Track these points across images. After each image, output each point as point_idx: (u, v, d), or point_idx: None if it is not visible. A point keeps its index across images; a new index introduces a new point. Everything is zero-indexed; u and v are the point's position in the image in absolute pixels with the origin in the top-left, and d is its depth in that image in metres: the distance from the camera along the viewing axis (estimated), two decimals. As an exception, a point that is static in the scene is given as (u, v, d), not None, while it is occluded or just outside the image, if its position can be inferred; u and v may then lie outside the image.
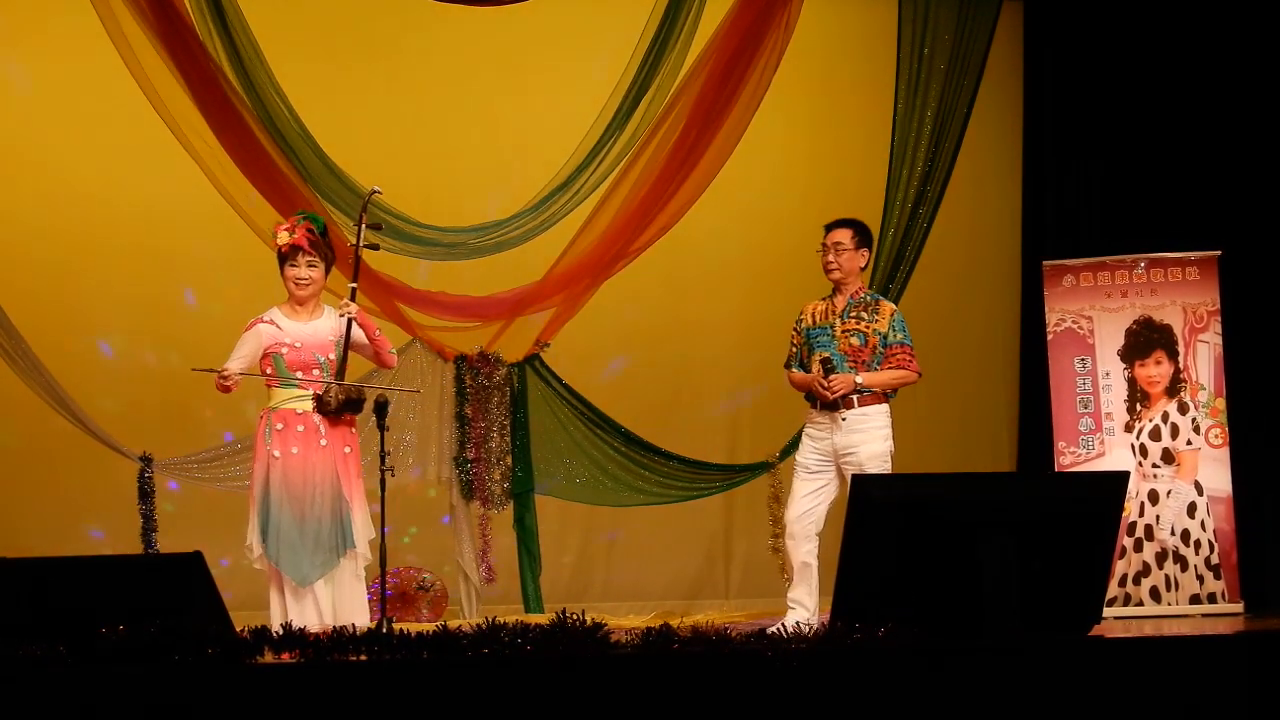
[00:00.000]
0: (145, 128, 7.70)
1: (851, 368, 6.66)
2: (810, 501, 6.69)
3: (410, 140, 8.79)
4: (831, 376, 6.59)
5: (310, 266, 6.29)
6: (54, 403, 7.68)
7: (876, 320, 6.71)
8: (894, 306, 6.80)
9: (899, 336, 6.72)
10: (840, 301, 6.77)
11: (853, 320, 6.71)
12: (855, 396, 6.62)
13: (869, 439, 6.62)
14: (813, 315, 6.83)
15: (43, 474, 8.27)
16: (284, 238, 6.26)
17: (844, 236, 6.78)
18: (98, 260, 8.47)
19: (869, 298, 6.79)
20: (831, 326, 6.73)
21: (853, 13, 9.28)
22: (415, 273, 8.24)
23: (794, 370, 6.85)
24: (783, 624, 6.23)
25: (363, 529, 6.27)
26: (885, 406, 6.70)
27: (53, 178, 8.40)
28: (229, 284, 8.34)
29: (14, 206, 8.36)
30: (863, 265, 6.85)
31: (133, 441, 7.91)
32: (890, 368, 6.68)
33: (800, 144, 9.29)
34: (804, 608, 6.61)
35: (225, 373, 6.10)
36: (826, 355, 6.64)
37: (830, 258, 6.76)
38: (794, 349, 6.87)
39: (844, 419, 6.59)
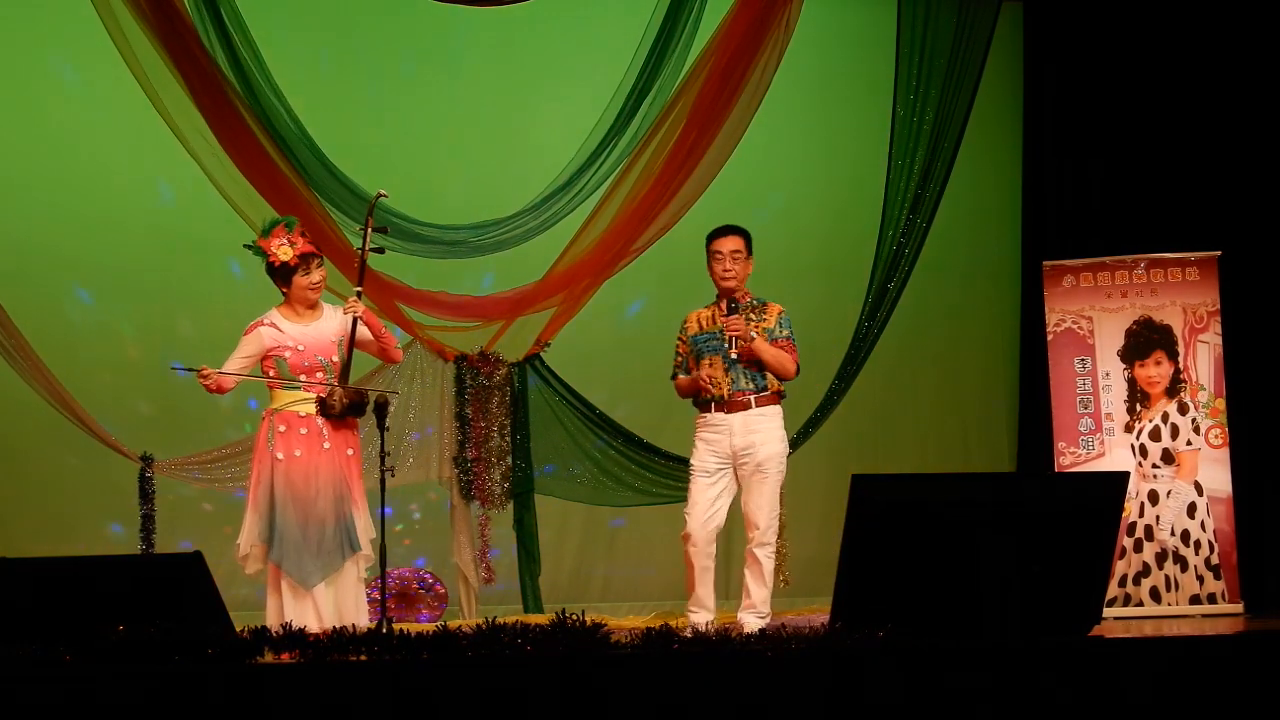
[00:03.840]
0: (149, 126, 7.69)
1: (747, 368, 6.62)
2: (714, 506, 6.65)
3: (411, 140, 8.78)
4: (732, 316, 6.56)
5: (320, 268, 6.33)
6: (56, 403, 7.68)
7: (765, 319, 6.70)
8: (781, 307, 6.77)
9: (785, 332, 6.71)
10: (726, 306, 6.70)
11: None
12: (753, 396, 6.62)
13: (767, 439, 6.62)
14: (699, 322, 6.78)
15: (43, 474, 8.27)
16: (288, 251, 6.26)
17: (739, 244, 6.72)
18: (100, 260, 8.47)
19: (756, 301, 6.76)
20: (721, 331, 6.66)
21: (853, 13, 9.28)
22: (416, 273, 8.23)
23: (680, 377, 6.83)
24: (693, 626, 6.18)
25: (365, 530, 6.29)
26: (779, 407, 6.71)
27: (55, 178, 8.39)
28: (229, 284, 8.34)
29: (16, 206, 8.36)
30: (749, 272, 6.80)
31: (133, 442, 7.91)
32: None
33: (800, 144, 9.29)
34: (707, 610, 6.58)
35: (204, 372, 6.13)
36: (731, 304, 6.61)
37: (728, 265, 6.68)
38: (679, 358, 6.83)
39: (722, 418, 6.56)
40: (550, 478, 8.34)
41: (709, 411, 6.67)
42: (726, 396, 6.62)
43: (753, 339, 6.60)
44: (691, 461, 6.73)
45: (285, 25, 8.29)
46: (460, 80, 8.91)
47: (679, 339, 6.84)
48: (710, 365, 6.66)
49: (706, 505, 6.63)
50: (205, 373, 6.14)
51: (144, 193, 8.48)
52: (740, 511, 6.71)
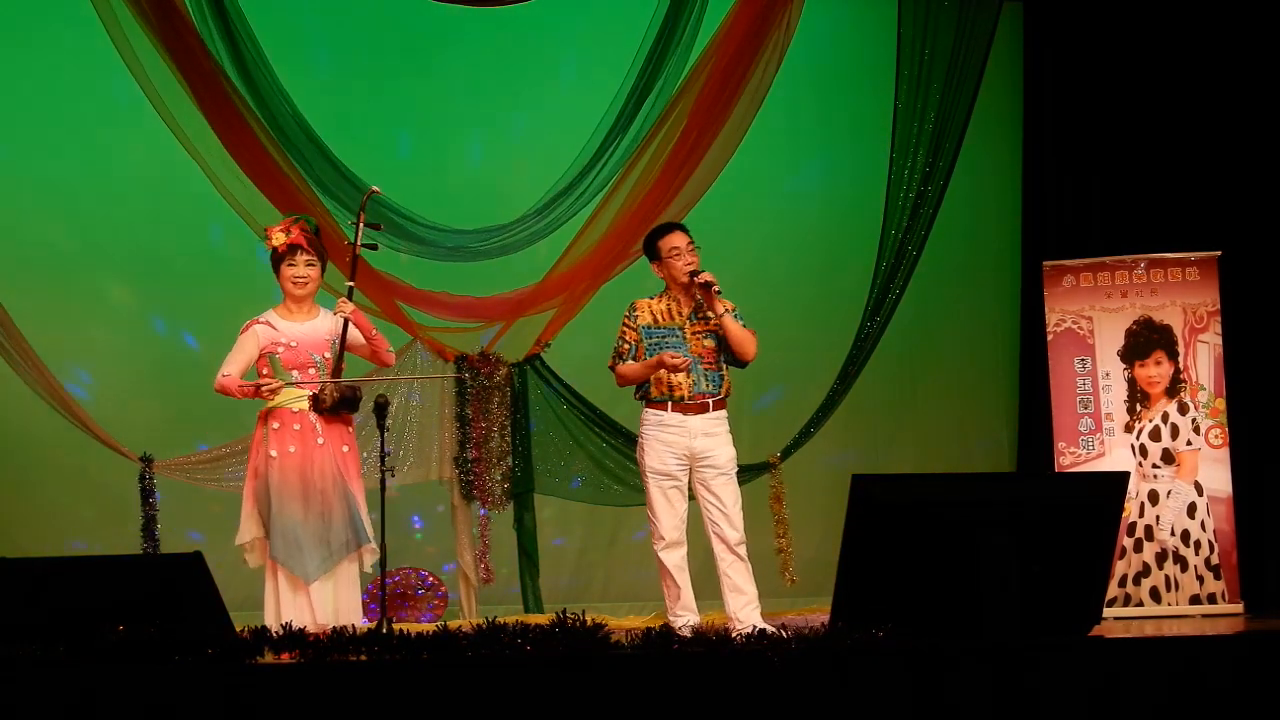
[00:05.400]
0: (148, 130, 7.70)
1: (708, 369, 6.52)
2: (682, 508, 6.53)
3: (410, 141, 8.78)
4: (699, 274, 6.44)
5: (309, 265, 6.34)
6: (56, 404, 7.69)
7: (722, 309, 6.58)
8: (730, 303, 6.64)
9: (742, 320, 6.58)
10: (685, 304, 6.60)
11: (701, 323, 6.57)
12: (711, 400, 6.52)
13: (724, 442, 6.53)
14: (653, 314, 6.62)
15: (43, 474, 8.28)
16: (280, 238, 6.32)
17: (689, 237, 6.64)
18: (100, 261, 8.48)
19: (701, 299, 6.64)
20: (681, 329, 6.55)
21: (853, 13, 9.27)
22: (417, 273, 8.23)
23: (629, 364, 6.60)
24: (682, 628, 6.13)
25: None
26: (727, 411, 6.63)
27: (56, 180, 8.40)
28: (230, 286, 8.34)
29: (18, 208, 8.36)
30: None
31: (133, 442, 7.92)
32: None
33: (801, 144, 9.28)
34: (694, 613, 6.47)
35: (266, 384, 6.14)
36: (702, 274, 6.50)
37: (691, 259, 6.56)
38: (627, 345, 6.59)
39: (680, 419, 6.46)
40: (550, 478, 8.32)
41: (665, 410, 6.52)
42: (687, 397, 6.50)
43: (726, 305, 6.51)
44: (648, 463, 6.51)
45: (284, 26, 8.28)
46: (462, 81, 8.90)
47: (628, 324, 6.63)
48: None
49: (676, 508, 6.52)
50: (266, 384, 6.17)
51: (141, 195, 8.48)
52: (700, 509, 6.61)
